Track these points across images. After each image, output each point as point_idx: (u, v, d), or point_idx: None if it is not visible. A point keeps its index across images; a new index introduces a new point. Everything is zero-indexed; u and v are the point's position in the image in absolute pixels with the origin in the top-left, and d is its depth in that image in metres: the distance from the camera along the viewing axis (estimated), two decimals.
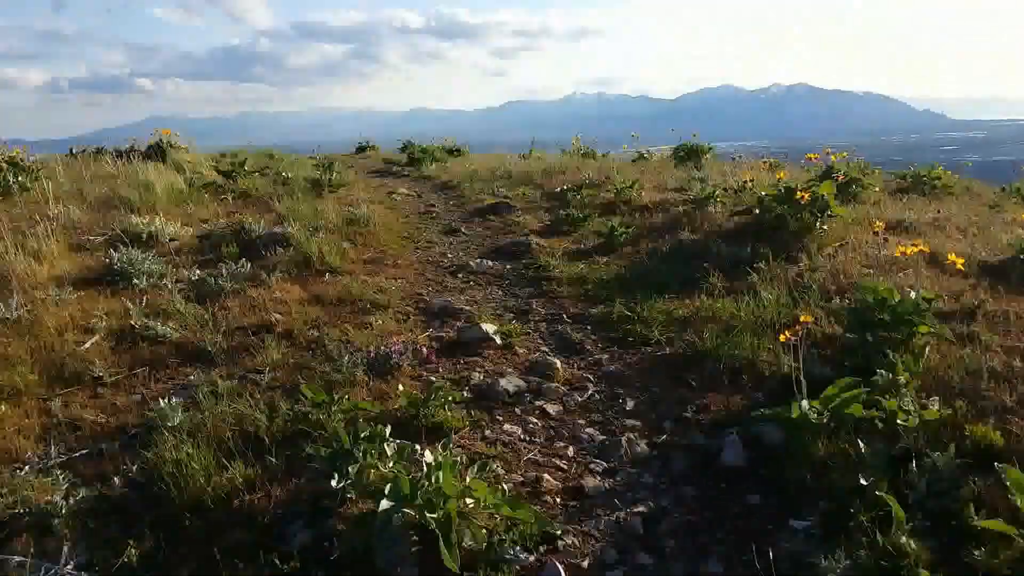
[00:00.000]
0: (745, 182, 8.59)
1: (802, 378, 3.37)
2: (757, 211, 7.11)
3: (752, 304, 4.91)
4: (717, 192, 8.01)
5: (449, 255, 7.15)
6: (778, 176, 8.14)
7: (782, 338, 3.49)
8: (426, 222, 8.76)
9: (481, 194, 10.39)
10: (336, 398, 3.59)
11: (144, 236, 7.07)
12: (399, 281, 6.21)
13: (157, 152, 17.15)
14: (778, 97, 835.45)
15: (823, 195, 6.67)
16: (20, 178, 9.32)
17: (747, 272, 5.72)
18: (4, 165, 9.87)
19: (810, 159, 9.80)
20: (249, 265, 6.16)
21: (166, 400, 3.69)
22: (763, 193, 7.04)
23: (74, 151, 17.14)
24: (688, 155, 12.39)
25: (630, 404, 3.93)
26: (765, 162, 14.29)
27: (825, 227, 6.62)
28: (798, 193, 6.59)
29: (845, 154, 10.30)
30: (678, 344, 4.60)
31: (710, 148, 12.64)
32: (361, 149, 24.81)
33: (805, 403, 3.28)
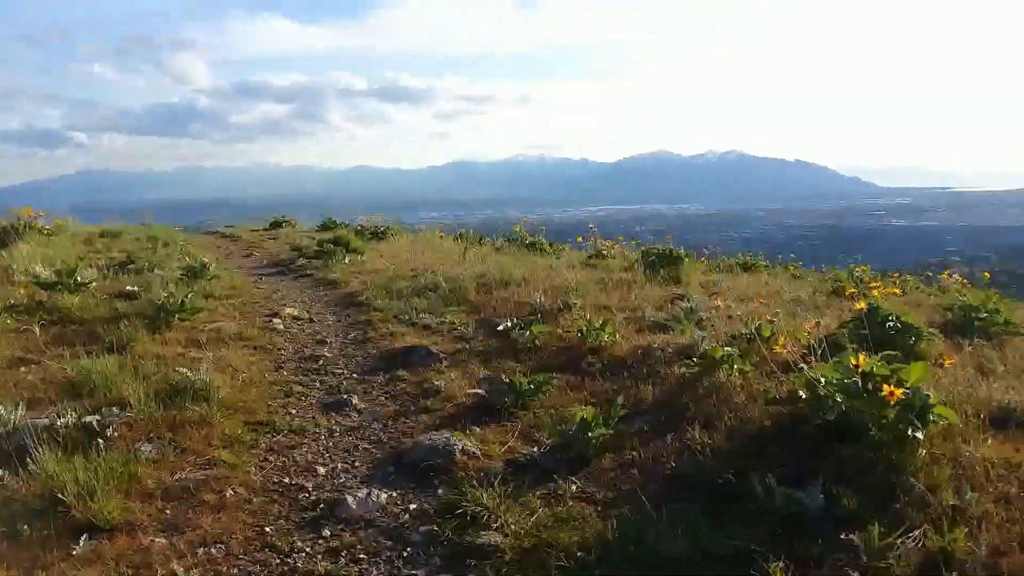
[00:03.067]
0: (759, 330, 6.07)
1: None
2: (804, 395, 4.57)
3: None
4: (729, 353, 5.42)
5: (319, 470, 4.36)
6: (807, 329, 5.62)
7: None
8: (304, 381, 5.95)
9: (395, 322, 7.68)
10: None
11: None
12: (212, 551, 3.44)
13: (11, 236, 14.10)
14: (711, 163, 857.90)
15: (915, 387, 4.16)
16: None
17: (830, 551, 3.16)
18: None
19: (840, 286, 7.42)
20: None
21: None
22: (819, 377, 4.49)
23: None
24: (660, 262, 9.94)
25: None
26: (745, 264, 12.00)
27: (919, 435, 4.08)
28: (884, 388, 4.06)
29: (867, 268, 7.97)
30: None
31: (686, 256, 10.21)
32: (276, 225, 22.04)
33: None
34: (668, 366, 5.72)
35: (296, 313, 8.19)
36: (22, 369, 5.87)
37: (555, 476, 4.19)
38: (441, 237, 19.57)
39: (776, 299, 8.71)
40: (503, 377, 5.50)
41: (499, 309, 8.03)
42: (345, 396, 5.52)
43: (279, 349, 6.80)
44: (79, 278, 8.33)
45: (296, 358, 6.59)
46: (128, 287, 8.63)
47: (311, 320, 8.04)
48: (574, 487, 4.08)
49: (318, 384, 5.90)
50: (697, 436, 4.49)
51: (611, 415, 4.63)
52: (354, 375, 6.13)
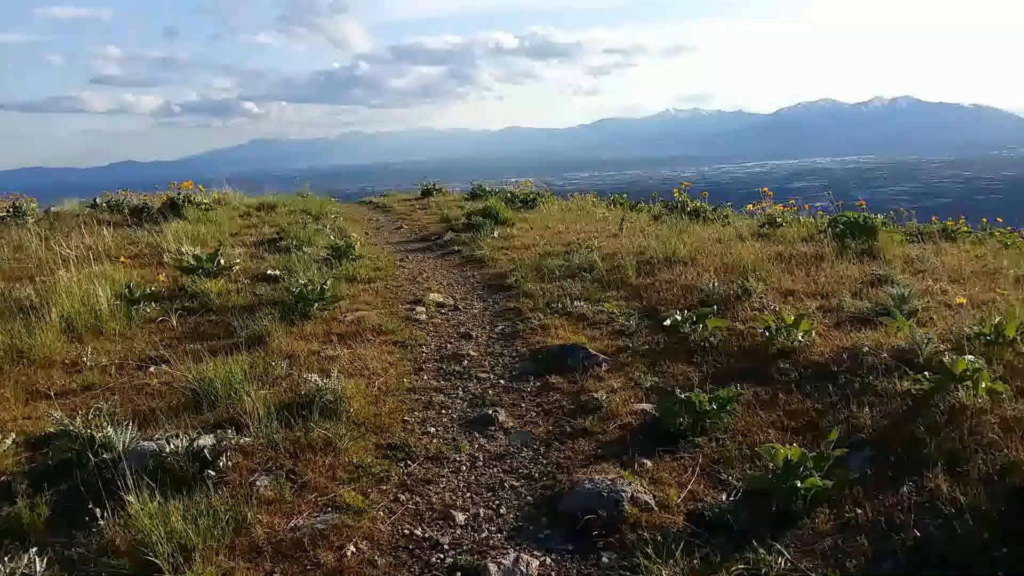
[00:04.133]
0: (1001, 328, 4.77)
1: None
2: None
3: None
4: (973, 366, 4.20)
5: (458, 518, 3.57)
6: None
7: None
8: (446, 388, 5.23)
9: (547, 311, 6.84)
10: None
11: None
12: None
13: (171, 210, 14.38)
14: (880, 111, 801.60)
15: None
16: None
17: None
18: None
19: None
20: None
21: None
22: None
23: (50, 213, 14.50)
24: (850, 232, 8.54)
25: None
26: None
27: None
28: None
29: None
30: None
31: (883, 223, 8.73)
32: (427, 193, 21.75)
33: None
34: (885, 377, 4.57)
35: (440, 299, 7.52)
36: (151, 370, 5.50)
37: (753, 540, 3.24)
38: (594, 204, 18.58)
39: (1000, 279, 7.21)
40: (676, 391, 4.55)
41: (664, 295, 7.03)
42: (490, 411, 4.74)
43: (420, 345, 6.12)
44: (222, 260, 8.02)
45: (438, 356, 5.89)
46: (271, 270, 8.26)
47: (456, 308, 7.34)
48: (782, 560, 3.11)
49: (460, 392, 5.17)
50: (943, 488, 3.40)
51: (823, 455, 3.59)
52: (501, 381, 5.35)
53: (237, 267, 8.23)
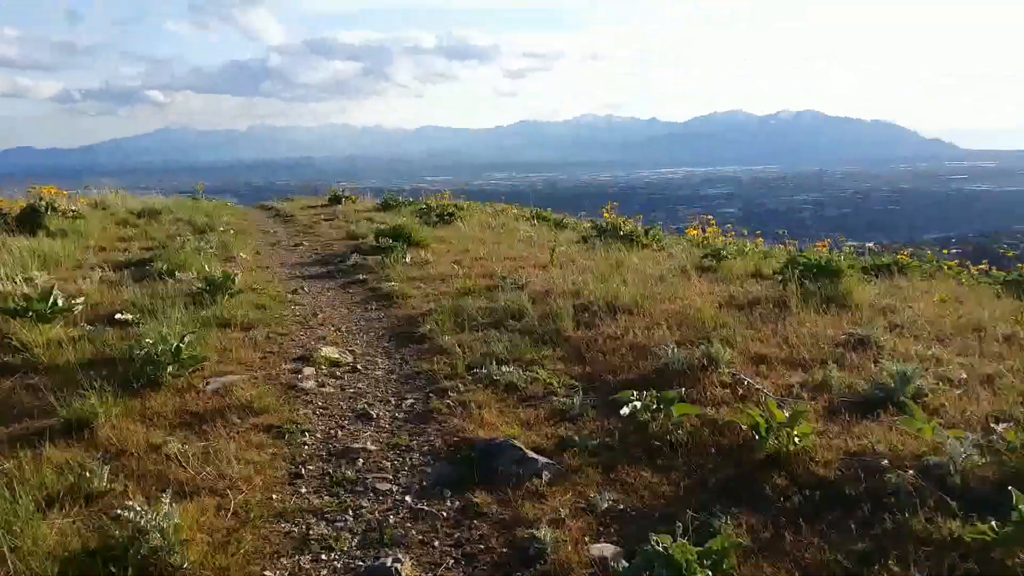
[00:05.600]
0: None
1: None
2: None
3: None
4: None
5: None
6: None
7: None
8: (329, 512, 3.72)
9: (468, 379, 5.46)
10: None
11: None
12: None
13: (31, 219, 12.39)
14: (786, 123, 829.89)
15: None
16: None
17: None
18: None
19: None
20: None
21: None
22: None
23: None
24: (812, 274, 7.47)
25: None
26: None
27: None
28: None
29: None
30: None
31: (850, 266, 7.69)
32: (335, 200, 20.13)
33: None
34: (923, 511, 3.40)
35: (336, 355, 6.06)
36: None
37: None
38: (516, 217, 17.34)
39: (986, 336, 6.27)
40: (651, 538, 3.25)
41: (610, 358, 5.77)
42: (390, 559, 3.35)
43: (303, 432, 4.66)
44: (60, 300, 6.35)
45: (325, 452, 4.45)
46: (122, 312, 6.63)
47: (354, 368, 5.88)
48: None
49: (351, 518, 3.74)
50: None
51: None
52: (407, 497, 3.95)
53: (80, 307, 6.56)
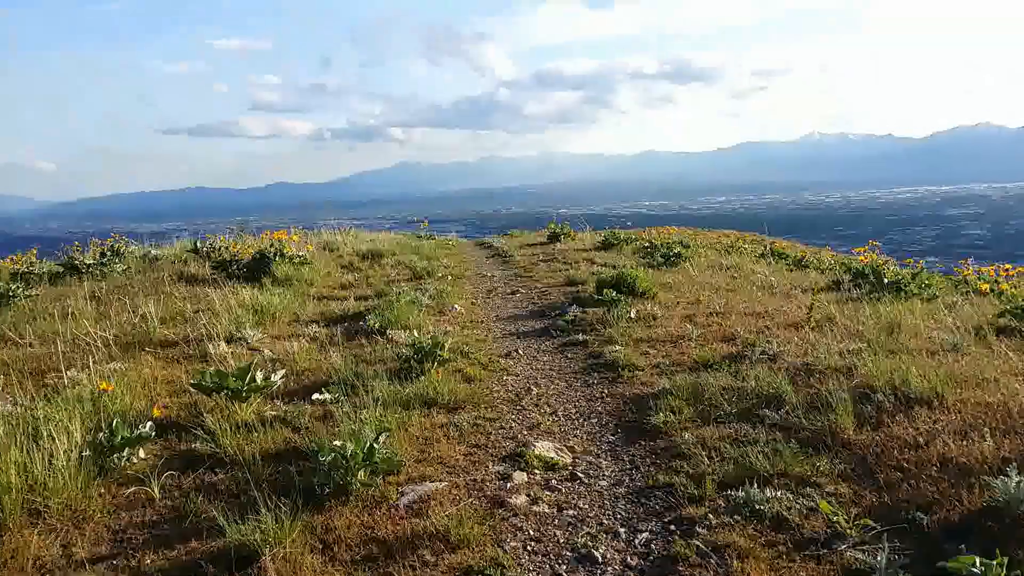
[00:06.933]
0: None
1: None
2: None
3: None
4: None
5: None
6: None
7: None
8: None
9: (719, 508, 4.21)
10: None
11: None
12: None
13: (259, 264, 12.63)
14: None
15: None
16: None
17: None
18: None
19: None
20: None
21: None
22: None
23: (147, 258, 12.97)
24: None
25: None
26: None
27: None
28: None
29: None
30: None
31: None
32: (553, 237, 19.49)
33: None
34: None
35: (552, 454, 5.02)
36: None
37: None
38: (753, 258, 15.67)
39: None
40: None
41: (916, 482, 4.26)
42: None
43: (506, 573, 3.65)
44: (258, 376, 5.84)
45: None
46: (321, 391, 6.01)
47: (573, 475, 4.79)
48: None
49: None
50: None
51: None
52: None
53: (279, 383, 6.03)
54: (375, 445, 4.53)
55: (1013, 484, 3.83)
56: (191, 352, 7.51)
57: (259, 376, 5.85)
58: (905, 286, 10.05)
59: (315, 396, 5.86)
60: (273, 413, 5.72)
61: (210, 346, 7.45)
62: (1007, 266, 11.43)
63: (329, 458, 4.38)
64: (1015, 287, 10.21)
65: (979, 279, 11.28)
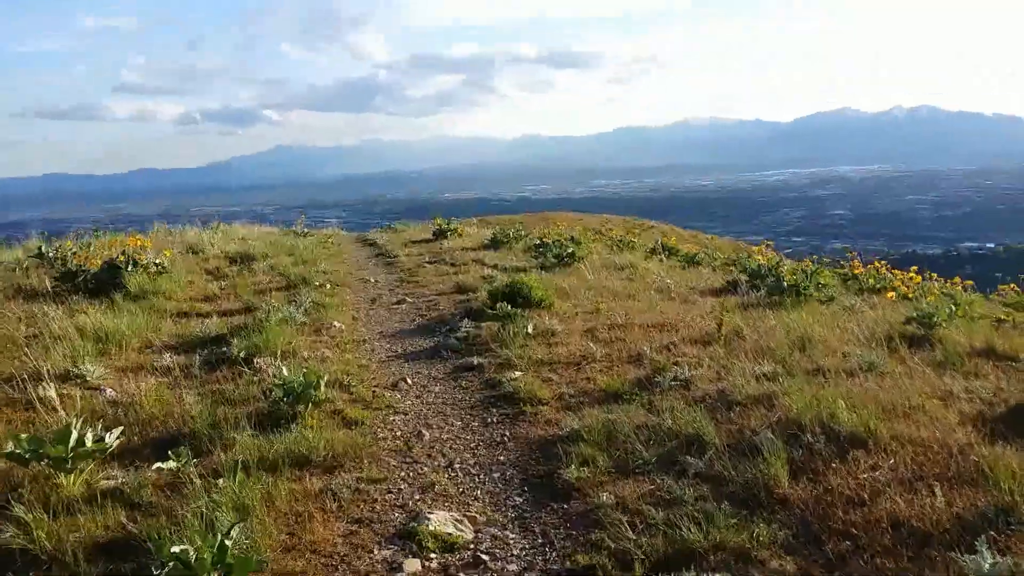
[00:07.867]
0: None
1: None
2: None
3: None
4: None
5: None
6: None
7: None
8: None
9: None
10: None
11: None
12: None
13: (109, 281, 11.15)
14: (899, 120, 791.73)
15: None
16: None
17: None
18: None
19: None
20: None
21: None
22: None
23: None
24: None
25: None
26: None
27: None
28: None
29: None
30: None
31: None
32: (440, 233, 18.65)
33: None
34: None
35: (450, 529, 4.23)
36: None
37: None
38: (646, 255, 15.34)
39: None
40: None
41: (869, 555, 3.72)
42: None
43: None
44: (88, 438, 4.77)
45: None
46: (165, 460, 4.96)
47: (475, 558, 4.00)
48: None
49: None
50: None
51: None
52: None
53: (114, 445, 4.96)
54: (226, 542, 3.62)
55: (987, 566, 3.32)
56: (15, 396, 6.28)
57: (89, 438, 4.79)
58: (804, 289, 9.80)
59: (159, 465, 4.82)
60: (108, 483, 4.69)
61: (40, 388, 6.24)
62: (879, 263, 11.66)
63: (168, 568, 3.44)
64: (905, 285, 10.18)
65: (871, 278, 11.25)
